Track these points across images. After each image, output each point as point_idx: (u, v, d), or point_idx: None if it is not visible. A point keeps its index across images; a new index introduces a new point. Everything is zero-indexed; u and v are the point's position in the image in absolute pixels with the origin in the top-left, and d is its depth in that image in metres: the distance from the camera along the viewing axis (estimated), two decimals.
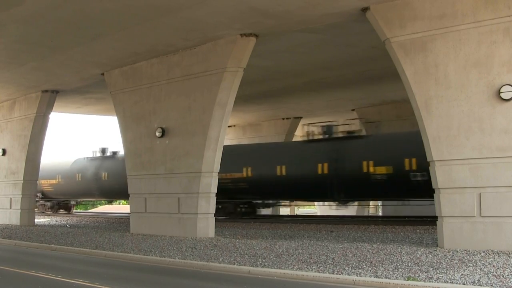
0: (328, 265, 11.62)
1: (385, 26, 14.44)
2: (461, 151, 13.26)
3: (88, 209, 54.29)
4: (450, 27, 13.43)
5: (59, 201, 39.75)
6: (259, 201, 29.11)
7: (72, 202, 41.61)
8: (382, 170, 22.20)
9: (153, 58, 19.91)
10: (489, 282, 9.31)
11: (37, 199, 38.07)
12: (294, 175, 24.72)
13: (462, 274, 9.99)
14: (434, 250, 12.97)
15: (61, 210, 40.16)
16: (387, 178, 22.07)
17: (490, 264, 10.93)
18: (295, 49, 19.54)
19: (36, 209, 37.20)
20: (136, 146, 20.88)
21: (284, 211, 39.91)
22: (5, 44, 18.69)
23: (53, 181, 37.71)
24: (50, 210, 39.67)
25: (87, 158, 36.56)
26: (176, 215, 18.93)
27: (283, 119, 35.17)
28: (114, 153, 35.97)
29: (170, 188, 19.24)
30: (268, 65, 21.68)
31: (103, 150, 36.46)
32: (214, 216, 18.56)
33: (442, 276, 9.90)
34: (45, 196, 39.13)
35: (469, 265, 10.91)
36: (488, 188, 12.85)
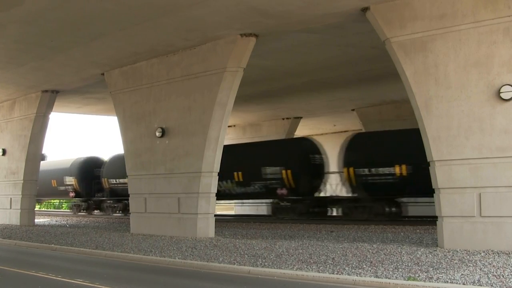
0: (328, 265, 11.62)
1: (385, 26, 14.44)
2: (461, 151, 13.26)
3: None
4: (450, 27, 13.44)
5: None
6: None
7: None
8: None
9: (153, 58, 19.92)
10: (489, 282, 9.31)
11: None
12: None
13: (462, 274, 9.99)
14: (434, 250, 12.97)
15: None
16: None
17: (490, 264, 10.93)
18: (295, 49, 19.55)
19: None
20: (136, 146, 20.89)
21: None
22: (5, 44, 18.69)
23: None
24: None
25: None
26: (176, 215, 18.94)
27: (283, 119, 35.18)
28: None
29: (170, 188, 19.24)
30: (268, 65, 21.68)
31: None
32: None
33: (442, 276, 9.90)
34: None
35: (469, 265, 10.91)
36: (488, 188, 12.85)
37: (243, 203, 34.19)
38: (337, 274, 10.62)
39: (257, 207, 32.96)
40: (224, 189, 27.79)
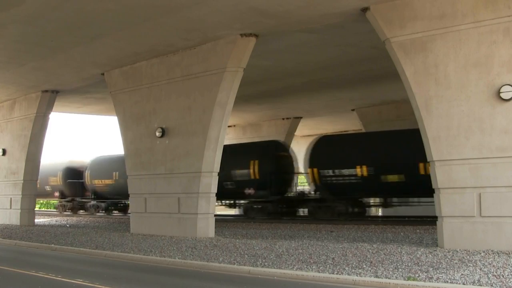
0: (328, 265, 11.62)
1: (385, 26, 14.44)
2: (461, 151, 13.26)
3: None
4: (450, 27, 13.44)
5: None
6: None
7: None
8: None
9: (153, 58, 19.92)
10: (489, 282, 9.32)
11: None
12: None
13: (462, 274, 10.00)
14: (434, 250, 12.97)
15: None
16: None
17: (490, 264, 10.93)
18: (295, 49, 19.55)
19: None
20: (136, 146, 20.89)
21: None
22: (5, 44, 18.70)
23: None
24: None
25: None
26: (176, 215, 18.94)
27: (283, 119, 35.21)
28: None
29: (170, 188, 19.24)
30: (268, 65, 21.68)
31: None
32: None
33: (442, 276, 9.90)
34: None
35: (469, 265, 10.91)
36: (488, 188, 12.85)
37: None
38: (337, 274, 10.62)
39: None
40: None
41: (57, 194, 38.46)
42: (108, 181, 34.20)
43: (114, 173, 33.42)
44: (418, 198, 24.62)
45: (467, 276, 9.79)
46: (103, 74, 22.18)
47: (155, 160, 19.95)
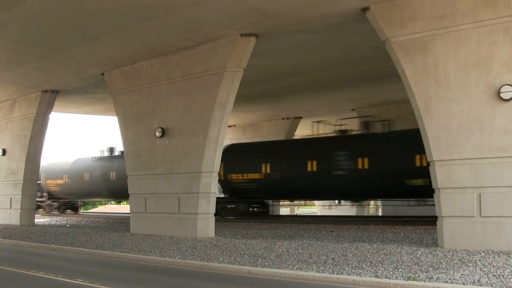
0: (328, 265, 11.62)
1: (385, 26, 14.44)
2: (461, 151, 13.26)
3: (88, 209, 54.22)
4: (450, 27, 13.44)
5: (66, 201, 39.90)
6: None
7: (80, 202, 41.69)
8: None
9: (153, 58, 19.92)
10: (489, 282, 9.32)
11: (43, 199, 38.61)
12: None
13: (462, 274, 10.00)
14: (434, 250, 12.97)
15: (68, 210, 40.13)
16: None
17: (490, 264, 10.93)
18: (295, 49, 19.55)
19: (42, 210, 37.72)
20: (136, 146, 20.89)
21: (284, 211, 39.92)
22: (5, 44, 18.70)
23: (60, 181, 38.15)
24: (57, 210, 39.59)
25: (94, 157, 37.10)
26: (176, 215, 18.94)
27: (283, 119, 35.18)
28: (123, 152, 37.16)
29: (170, 188, 19.24)
30: (268, 65, 21.68)
31: (111, 150, 37.13)
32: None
33: (442, 276, 9.90)
34: (51, 196, 39.34)
35: (469, 265, 10.91)
36: (488, 188, 12.85)
37: None
38: (337, 274, 10.62)
39: None
40: None
41: None
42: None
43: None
44: None
45: (467, 276, 9.79)
46: (103, 74, 22.18)
47: (155, 160, 19.95)
